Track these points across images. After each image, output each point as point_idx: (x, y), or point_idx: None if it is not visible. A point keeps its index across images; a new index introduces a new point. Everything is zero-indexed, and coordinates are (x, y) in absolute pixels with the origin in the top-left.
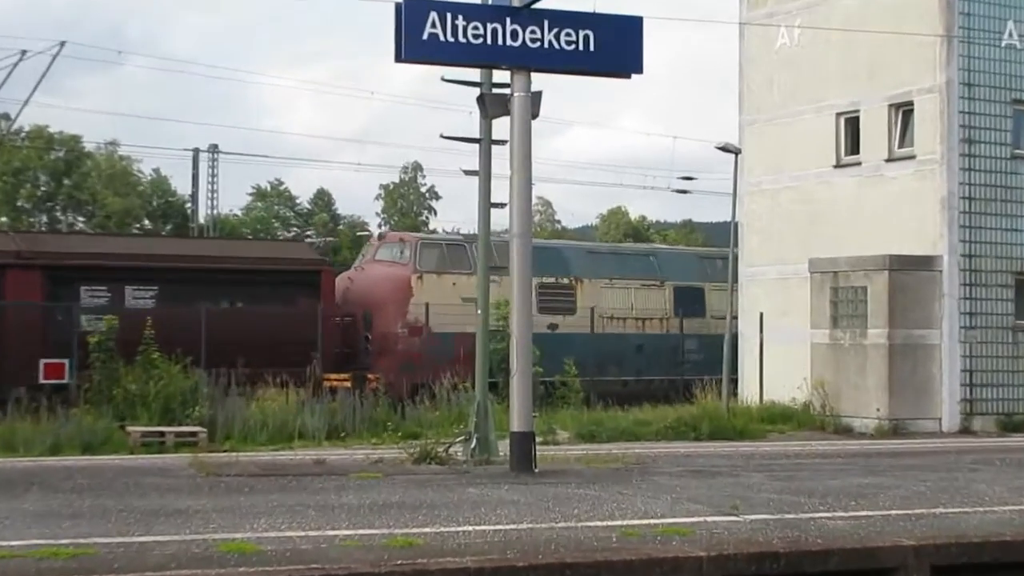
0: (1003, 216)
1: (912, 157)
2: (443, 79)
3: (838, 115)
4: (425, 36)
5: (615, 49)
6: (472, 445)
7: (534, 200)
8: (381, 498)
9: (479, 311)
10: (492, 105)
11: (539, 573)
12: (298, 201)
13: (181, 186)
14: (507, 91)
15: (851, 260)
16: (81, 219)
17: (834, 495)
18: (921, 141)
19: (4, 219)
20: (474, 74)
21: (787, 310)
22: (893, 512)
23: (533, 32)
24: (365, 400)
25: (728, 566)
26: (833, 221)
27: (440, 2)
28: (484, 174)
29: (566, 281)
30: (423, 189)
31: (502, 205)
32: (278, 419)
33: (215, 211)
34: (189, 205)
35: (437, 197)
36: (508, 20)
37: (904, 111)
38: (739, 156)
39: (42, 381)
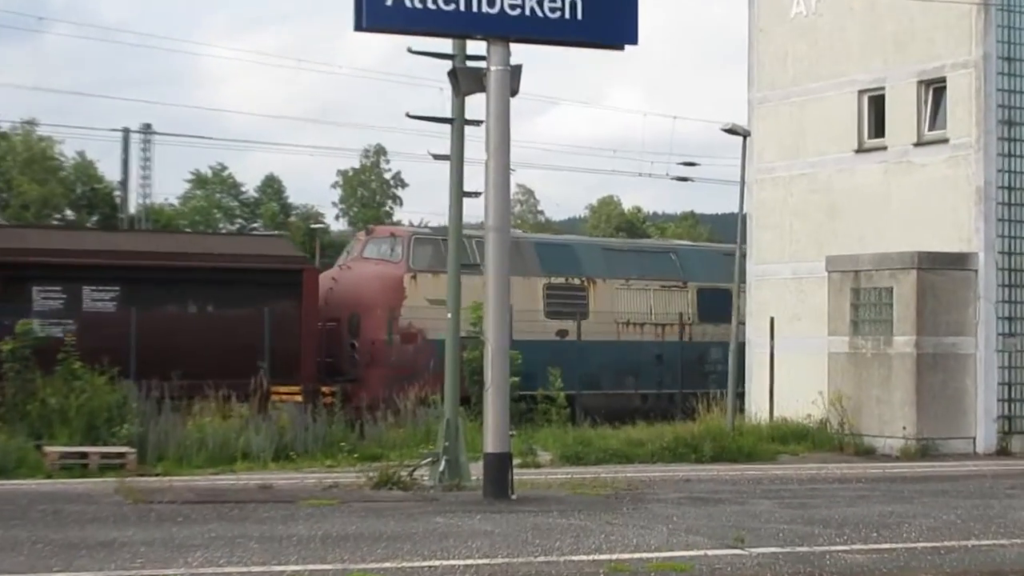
0: None
1: (944, 141)
2: (410, 51)
3: (860, 93)
4: (389, 1)
5: (606, 17)
6: (440, 468)
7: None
8: (335, 529)
9: (449, 314)
10: (466, 80)
11: None
12: (243, 189)
13: (109, 171)
14: (483, 64)
15: (874, 258)
16: None
17: (853, 525)
18: (955, 123)
19: None
20: (446, 45)
21: (801, 315)
22: (920, 544)
23: None
24: (318, 416)
25: None
26: (854, 214)
27: None
28: (456, 159)
29: (577, 282)
30: (387, 176)
31: (476, 194)
32: (218, 438)
33: (148, 200)
34: (118, 193)
35: (403, 185)
36: None
37: (935, 89)
38: (747, 139)
39: None
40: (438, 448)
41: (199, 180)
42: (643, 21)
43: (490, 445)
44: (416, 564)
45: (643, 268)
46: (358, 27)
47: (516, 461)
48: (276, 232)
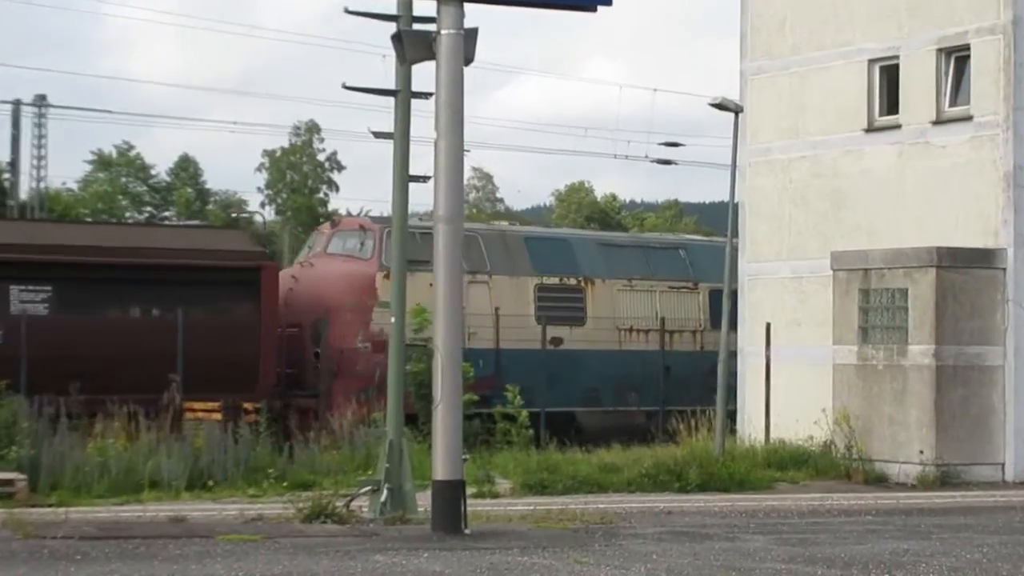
0: None
1: (968, 119)
2: (347, 10)
3: (871, 63)
4: None
5: None
6: (382, 498)
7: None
8: (258, 568)
9: (393, 319)
10: (412, 45)
11: None
12: (154, 172)
13: None
14: (432, 27)
15: (887, 254)
16: None
17: (861, 565)
18: (979, 98)
19: None
20: (389, 3)
21: (802, 319)
22: None
23: None
24: (240, 438)
25: None
26: (863, 203)
27: None
28: (401, 137)
29: (573, 282)
30: (321, 157)
31: (425, 179)
32: (123, 463)
33: (42, 184)
34: (7, 176)
35: (339, 168)
36: None
37: (957, 58)
38: (740, 116)
39: None
40: (379, 475)
41: (102, 161)
42: None
43: (440, 471)
44: None
45: (648, 267)
46: None
47: (470, 490)
48: (193, 222)
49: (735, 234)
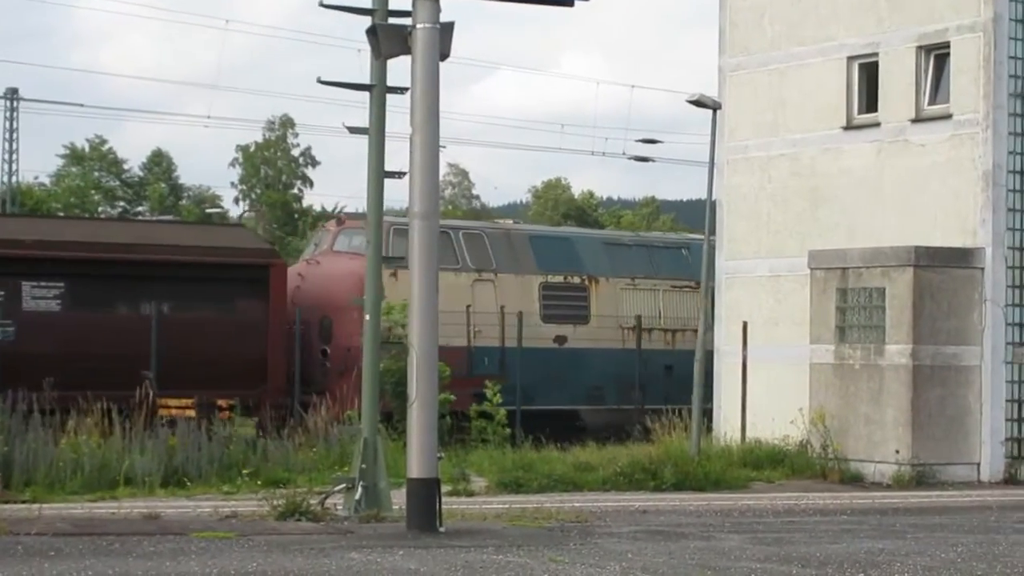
0: None
1: (947, 117)
2: (322, 4)
3: (850, 60)
4: None
5: None
6: (356, 496)
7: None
8: (233, 566)
9: (367, 316)
10: (387, 40)
11: None
12: (127, 166)
13: None
14: (408, 21)
15: (865, 253)
16: None
17: (836, 564)
18: (959, 96)
19: None
20: None
21: (779, 319)
22: None
23: None
24: (214, 435)
25: None
26: (842, 201)
27: None
28: (376, 132)
29: (577, 281)
30: (295, 152)
31: (400, 175)
32: (96, 460)
33: (15, 178)
34: None
35: (314, 163)
36: None
37: (937, 55)
38: (718, 113)
39: None
40: (354, 472)
41: (74, 155)
42: None
43: (415, 469)
44: None
45: (651, 265)
46: None
47: (445, 488)
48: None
49: (712, 232)
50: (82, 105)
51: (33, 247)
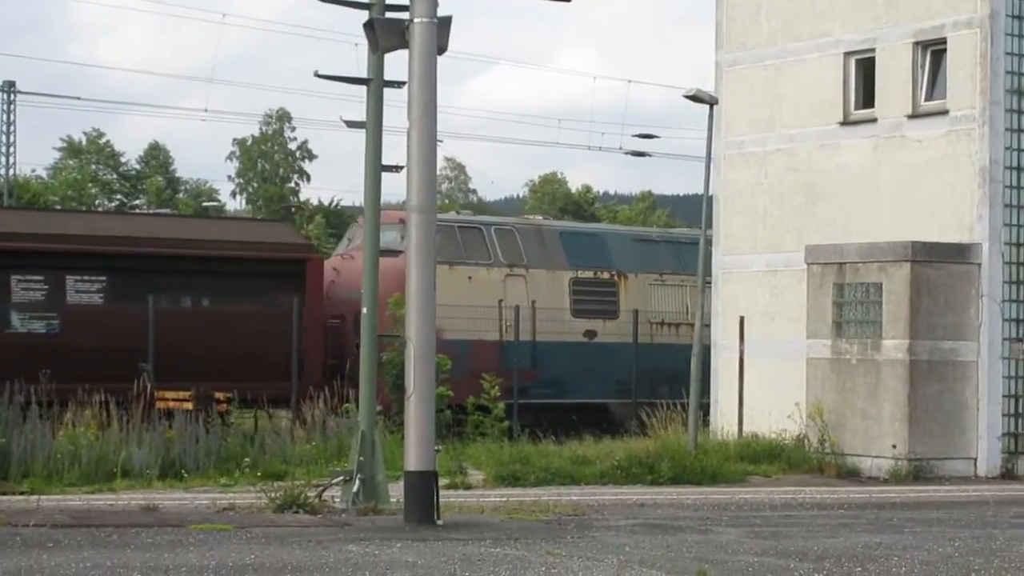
0: None
1: (944, 113)
2: None
3: (847, 55)
4: None
5: None
6: (354, 488)
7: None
8: (231, 558)
9: (364, 309)
10: (384, 33)
11: None
12: (124, 159)
13: None
14: (405, 15)
15: (861, 248)
16: None
17: (834, 558)
18: (956, 92)
19: None
20: None
21: (776, 313)
22: None
23: None
24: (211, 427)
25: None
26: (838, 197)
27: None
28: (373, 126)
29: (607, 276)
30: (292, 146)
31: (397, 168)
32: (94, 452)
33: (12, 171)
34: None
35: (311, 156)
36: None
37: (934, 51)
38: (715, 108)
39: None
40: (351, 465)
41: (71, 148)
42: None
43: (412, 462)
44: None
45: (679, 261)
46: None
47: (443, 481)
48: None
49: (709, 226)
50: (79, 98)
51: (77, 241)
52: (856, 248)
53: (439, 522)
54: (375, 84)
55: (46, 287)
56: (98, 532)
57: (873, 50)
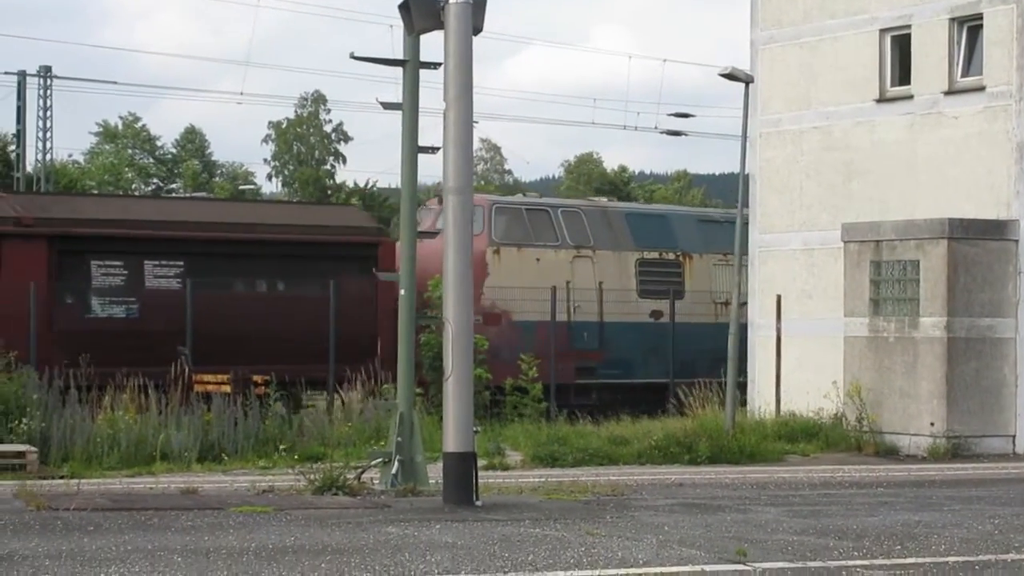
0: None
1: (980, 89)
2: None
3: (882, 32)
4: None
5: None
6: (393, 470)
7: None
8: (271, 540)
9: (402, 291)
10: (420, 15)
11: None
12: (160, 143)
13: (1, 122)
14: None
15: (898, 226)
16: None
17: (873, 536)
18: (992, 68)
19: None
20: None
21: (813, 292)
22: (951, 559)
23: None
24: (250, 410)
25: None
26: (875, 174)
27: None
28: (409, 108)
29: (672, 257)
30: (327, 128)
31: (434, 150)
32: (133, 435)
33: (48, 156)
34: (13, 148)
35: (346, 139)
36: None
37: (970, 27)
38: (750, 86)
39: None
40: (390, 447)
41: (107, 132)
42: None
43: (451, 443)
44: None
45: None
46: None
47: (481, 462)
48: (199, 194)
49: (745, 205)
50: (115, 83)
51: (155, 227)
52: (893, 226)
53: (478, 503)
54: (411, 65)
55: (125, 272)
56: (138, 515)
57: (909, 27)
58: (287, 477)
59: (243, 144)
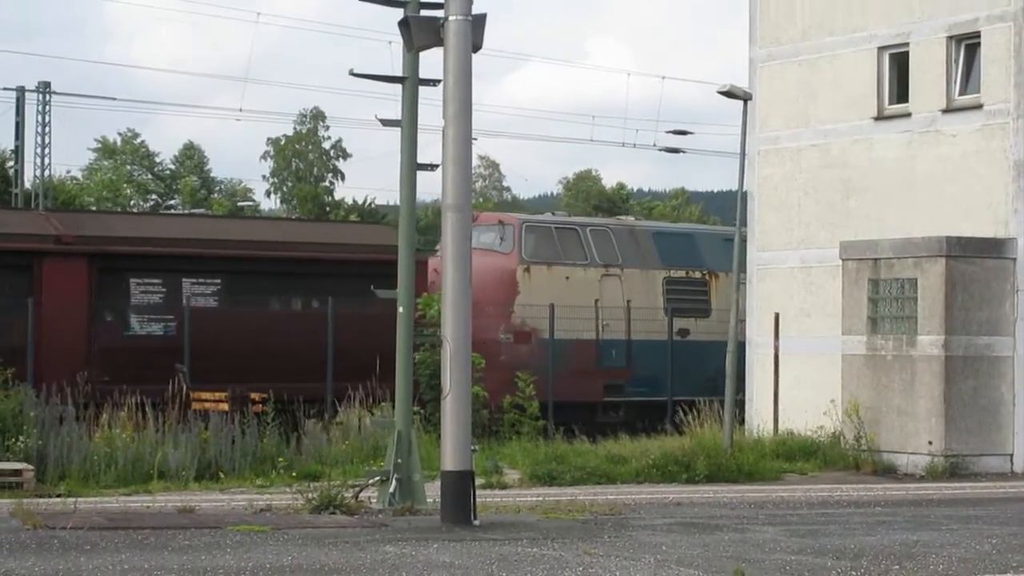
0: None
1: (978, 107)
2: None
3: (880, 50)
4: None
5: None
6: (391, 489)
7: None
8: (268, 559)
9: (400, 308)
10: (419, 32)
11: None
12: (159, 159)
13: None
14: (440, 13)
15: (896, 244)
16: None
17: (871, 556)
18: (990, 86)
19: None
20: None
21: (811, 310)
22: None
23: None
24: (247, 428)
25: None
26: (873, 192)
27: None
28: (408, 125)
29: (698, 276)
30: (326, 145)
31: (433, 167)
32: (130, 453)
33: (47, 172)
34: (11, 164)
35: (345, 155)
36: None
37: (968, 45)
38: (749, 104)
39: None
40: (388, 465)
41: (106, 148)
42: None
43: (449, 462)
44: None
45: None
46: None
47: (479, 481)
48: (198, 211)
49: (743, 223)
50: (114, 99)
51: (194, 245)
52: (891, 244)
53: (476, 522)
54: (410, 82)
55: (164, 290)
56: (135, 534)
57: (907, 44)
58: (284, 496)
59: (242, 160)
